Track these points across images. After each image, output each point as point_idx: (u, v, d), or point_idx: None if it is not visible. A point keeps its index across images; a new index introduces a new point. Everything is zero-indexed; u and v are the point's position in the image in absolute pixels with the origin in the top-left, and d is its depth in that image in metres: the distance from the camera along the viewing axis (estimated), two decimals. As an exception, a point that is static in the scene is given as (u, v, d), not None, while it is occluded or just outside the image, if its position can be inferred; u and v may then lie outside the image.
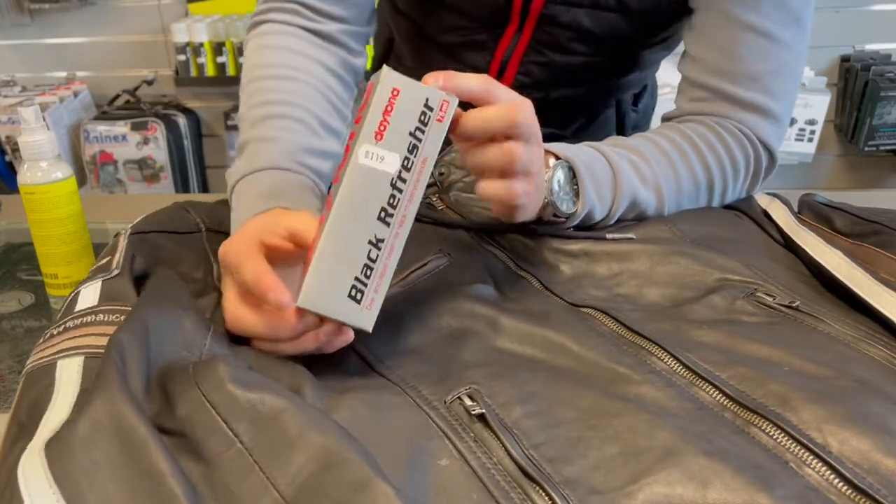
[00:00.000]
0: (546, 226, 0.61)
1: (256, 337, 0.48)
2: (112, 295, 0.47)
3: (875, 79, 1.99)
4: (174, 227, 0.57)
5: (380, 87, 0.45)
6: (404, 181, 0.46)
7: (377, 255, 0.45)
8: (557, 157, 0.59)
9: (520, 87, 0.78)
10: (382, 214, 0.45)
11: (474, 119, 0.49)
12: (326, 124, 0.68)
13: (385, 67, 0.46)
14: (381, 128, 0.45)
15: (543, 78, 0.80)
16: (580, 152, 0.62)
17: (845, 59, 2.12)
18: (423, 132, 0.46)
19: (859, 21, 2.10)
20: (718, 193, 0.69)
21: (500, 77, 0.81)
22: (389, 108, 0.45)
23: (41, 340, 0.44)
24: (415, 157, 0.46)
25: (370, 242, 0.45)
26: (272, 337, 0.47)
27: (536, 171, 0.53)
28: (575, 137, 0.84)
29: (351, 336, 0.47)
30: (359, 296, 0.45)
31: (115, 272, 0.50)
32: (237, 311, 0.48)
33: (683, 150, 0.67)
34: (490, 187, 0.52)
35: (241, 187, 0.60)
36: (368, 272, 0.45)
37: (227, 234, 0.60)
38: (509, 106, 0.50)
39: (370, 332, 0.46)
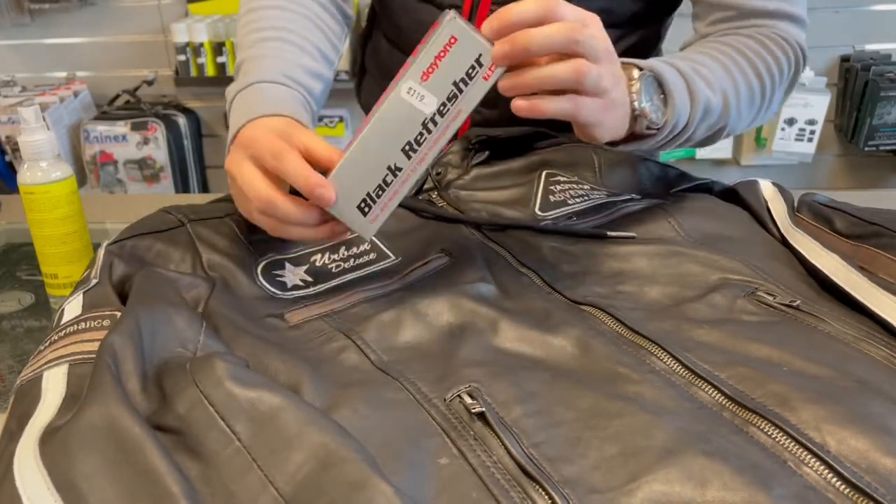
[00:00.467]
0: (635, 143, 0.61)
1: (283, 219, 0.52)
2: (94, 303, 0.48)
3: (875, 79, 1.98)
4: (156, 227, 0.57)
5: (440, 30, 0.48)
6: (435, 124, 0.49)
7: (392, 181, 0.50)
8: (640, 69, 0.59)
9: None
10: (407, 147, 0.49)
11: (538, 35, 0.48)
12: (320, 50, 0.71)
13: (451, 12, 0.48)
14: (430, 70, 0.48)
15: None
16: (652, 62, 0.61)
17: (845, 59, 2.12)
18: (466, 84, 0.48)
19: (859, 21, 2.10)
20: (768, 97, 0.70)
21: (475, 6, 0.78)
22: (442, 54, 0.48)
23: (32, 357, 0.45)
24: (451, 105, 0.49)
25: (389, 168, 0.50)
26: (302, 222, 0.52)
27: (609, 86, 0.53)
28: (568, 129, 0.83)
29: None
30: (367, 209, 0.51)
31: (94, 282, 0.50)
32: (269, 194, 0.51)
33: (734, 58, 0.67)
34: (556, 104, 0.51)
35: (238, 101, 0.63)
36: (380, 192, 0.50)
37: (215, 219, 0.60)
38: (574, 23, 0.49)
39: (367, 239, 0.52)
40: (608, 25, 0.78)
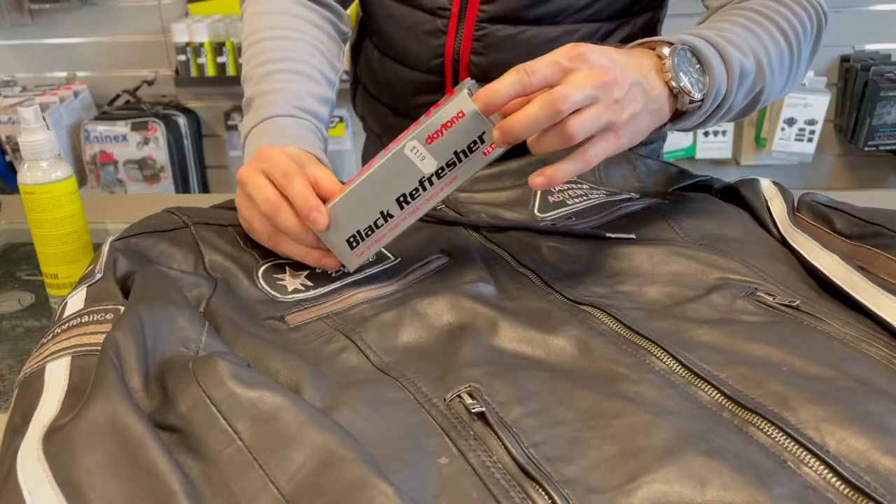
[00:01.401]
0: (680, 121, 0.59)
1: (282, 228, 0.55)
2: (97, 297, 0.48)
3: (875, 79, 1.98)
4: (161, 227, 0.57)
5: (453, 101, 0.51)
6: (431, 184, 0.52)
7: (382, 225, 0.54)
8: (671, 44, 0.58)
9: (487, 21, 0.78)
10: (401, 198, 0.53)
11: (521, 123, 0.50)
12: (323, 74, 0.74)
13: (469, 83, 0.51)
14: (436, 135, 0.51)
15: (511, 8, 0.77)
16: (681, 35, 0.60)
17: (845, 60, 2.12)
18: (466, 156, 0.52)
19: (859, 21, 2.10)
20: (797, 56, 0.69)
21: (463, 10, 0.78)
22: (450, 124, 0.51)
23: (35, 350, 0.45)
24: (449, 171, 0.52)
25: (381, 213, 0.54)
26: (297, 236, 0.55)
27: (615, 118, 0.52)
28: None
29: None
30: (355, 244, 0.55)
31: (98, 276, 0.50)
32: (276, 199, 0.55)
33: (757, 20, 0.66)
34: (569, 166, 0.52)
35: (252, 135, 0.67)
36: (370, 232, 0.54)
37: (217, 226, 0.60)
38: (550, 95, 0.49)
39: (351, 271, 0.56)
40: (602, 18, 0.79)
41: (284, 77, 0.70)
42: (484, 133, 0.51)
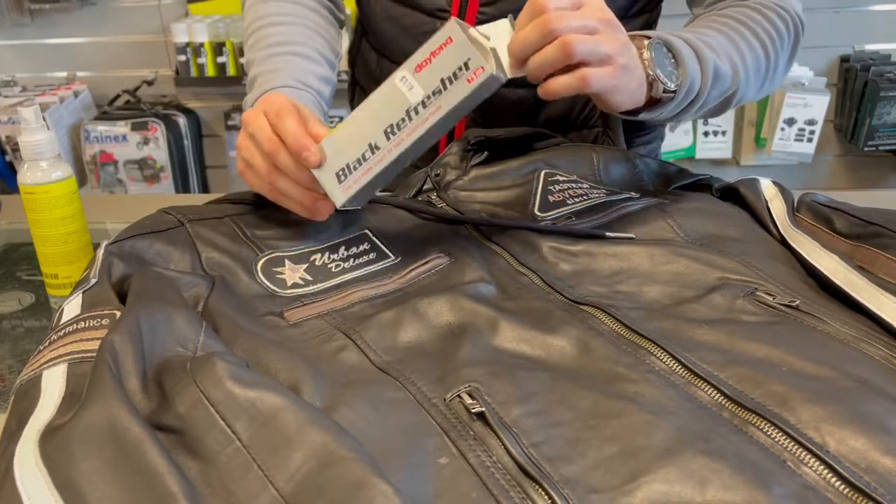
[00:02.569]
0: (654, 109, 0.63)
1: (282, 166, 0.57)
2: (93, 302, 0.48)
3: (875, 79, 1.98)
4: (156, 227, 0.57)
5: (440, 31, 0.52)
6: (417, 114, 0.53)
7: (369, 157, 0.55)
8: (649, 38, 0.62)
9: (486, 22, 0.77)
10: (388, 130, 0.54)
11: (517, 43, 0.54)
12: (324, 56, 0.77)
13: (454, 19, 0.52)
14: (424, 63, 0.52)
15: (510, 10, 0.76)
16: (658, 32, 0.64)
17: (845, 60, 2.12)
18: (450, 83, 0.52)
19: (859, 21, 2.10)
20: (773, 63, 0.72)
21: (462, 12, 0.80)
22: (437, 51, 0.51)
23: (32, 357, 0.45)
24: (434, 99, 0.52)
25: (370, 145, 0.55)
26: (295, 175, 0.57)
27: (614, 52, 0.55)
28: (556, 127, 0.83)
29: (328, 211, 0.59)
30: (343, 177, 0.56)
31: (94, 281, 0.50)
32: (275, 139, 0.57)
33: (735, 28, 0.70)
34: (563, 81, 0.55)
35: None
36: (357, 165, 0.55)
37: (213, 219, 0.60)
38: (550, 13, 0.53)
39: (338, 206, 0.57)
40: None
41: (286, 58, 0.73)
42: (469, 60, 0.51)
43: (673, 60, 0.62)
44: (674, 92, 0.62)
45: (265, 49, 0.74)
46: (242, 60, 2.05)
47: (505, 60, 0.55)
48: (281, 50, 0.74)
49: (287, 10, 0.78)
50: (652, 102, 0.62)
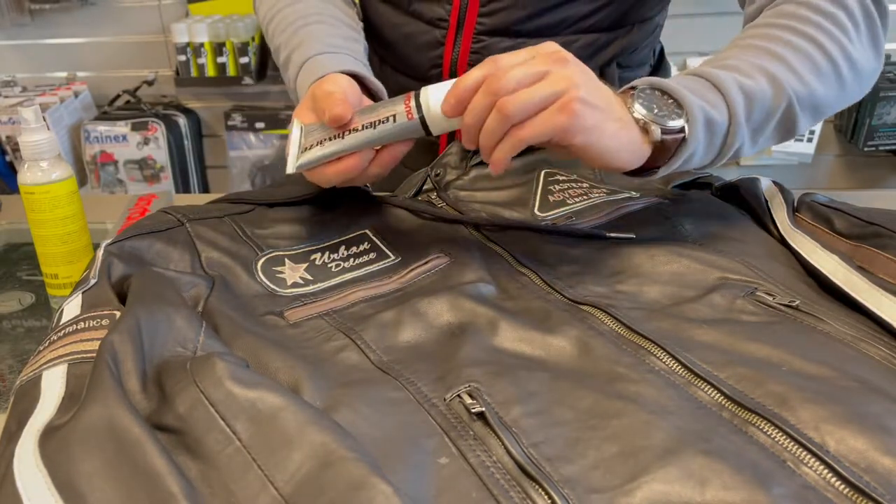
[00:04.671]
0: (676, 159, 0.55)
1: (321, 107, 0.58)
2: (92, 303, 0.48)
3: (875, 79, 1.98)
4: (155, 227, 0.57)
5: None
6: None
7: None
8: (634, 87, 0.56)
9: (485, 33, 0.78)
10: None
11: (465, 126, 0.52)
12: (347, 24, 0.76)
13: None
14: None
15: (508, 21, 0.77)
16: (649, 78, 0.56)
17: (845, 60, 2.12)
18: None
19: (859, 21, 2.09)
20: (842, 60, 0.61)
21: (461, 22, 0.78)
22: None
23: (31, 357, 0.45)
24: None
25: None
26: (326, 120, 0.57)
27: (562, 88, 0.49)
28: None
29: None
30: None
31: (93, 281, 0.50)
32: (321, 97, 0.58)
33: (769, 34, 0.60)
34: (497, 153, 0.51)
35: (299, 85, 0.69)
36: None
37: (214, 219, 0.61)
38: (489, 69, 0.50)
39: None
40: (600, 29, 0.79)
41: (306, 30, 0.73)
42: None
43: (671, 100, 0.55)
44: (681, 130, 0.54)
45: (287, 28, 0.74)
46: (243, 61, 2.05)
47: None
48: (301, 23, 0.74)
49: None
50: (664, 152, 0.55)
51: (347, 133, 0.57)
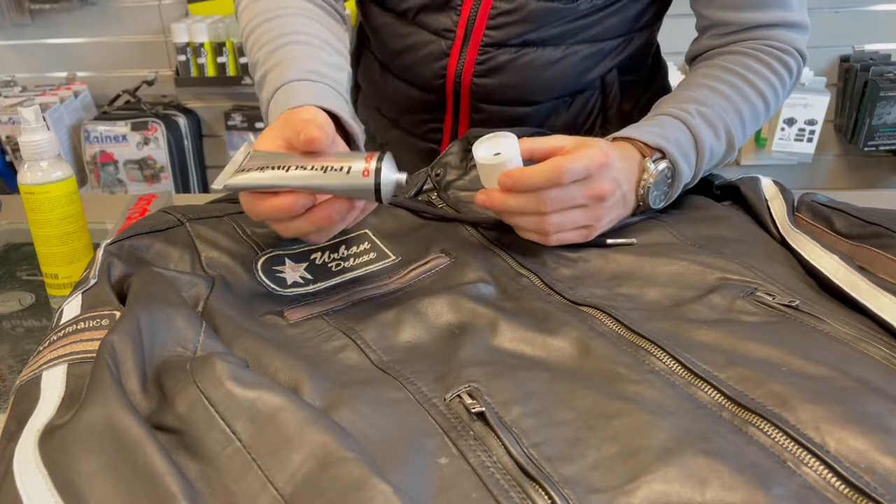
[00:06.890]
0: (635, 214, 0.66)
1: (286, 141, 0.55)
2: (92, 303, 0.48)
3: (875, 79, 1.98)
4: (155, 227, 0.57)
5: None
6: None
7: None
8: (662, 155, 0.64)
9: (491, 45, 0.78)
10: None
11: (504, 204, 0.59)
12: (331, 45, 0.70)
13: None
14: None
15: (514, 33, 0.77)
16: (667, 132, 0.65)
17: (845, 60, 2.12)
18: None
19: (859, 21, 2.10)
20: (772, 111, 0.74)
21: (468, 34, 0.78)
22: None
23: (31, 357, 0.45)
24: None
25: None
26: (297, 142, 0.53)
27: (587, 221, 0.60)
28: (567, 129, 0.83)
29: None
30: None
31: (93, 282, 0.50)
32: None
33: (739, 88, 0.71)
34: (523, 224, 0.60)
35: (272, 108, 0.63)
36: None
37: (214, 218, 0.60)
38: (538, 198, 0.57)
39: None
40: (603, 39, 0.80)
41: (287, 49, 0.68)
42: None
43: (671, 181, 0.65)
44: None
45: (267, 45, 0.69)
46: (243, 61, 2.05)
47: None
48: (280, 43, 0.69)
49: (285, 4, 0.73)
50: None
51: (293, 168, 0.52)
